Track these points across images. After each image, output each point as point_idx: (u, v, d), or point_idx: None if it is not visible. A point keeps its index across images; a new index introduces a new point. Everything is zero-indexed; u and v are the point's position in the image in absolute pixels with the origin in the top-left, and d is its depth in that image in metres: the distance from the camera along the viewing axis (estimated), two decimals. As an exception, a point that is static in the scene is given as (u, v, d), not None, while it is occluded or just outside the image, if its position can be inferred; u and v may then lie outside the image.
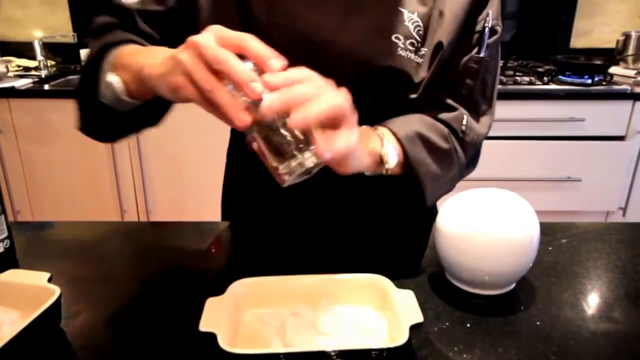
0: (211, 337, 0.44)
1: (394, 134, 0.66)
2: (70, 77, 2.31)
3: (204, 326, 0.46)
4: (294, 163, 0.47)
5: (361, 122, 0.66)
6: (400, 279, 0.55)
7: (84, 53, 2.33)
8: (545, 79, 2.07)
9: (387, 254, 0.71)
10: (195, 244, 0.75)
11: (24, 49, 2.39)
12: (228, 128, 0.60)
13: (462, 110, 0.73)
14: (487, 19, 0.71)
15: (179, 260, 0.70)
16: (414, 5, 0.70)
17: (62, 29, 2.45)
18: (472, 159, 0.79)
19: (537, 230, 0.58)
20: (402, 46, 0.69)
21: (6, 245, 0.67)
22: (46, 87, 2.10)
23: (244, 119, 0.45)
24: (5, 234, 0.67)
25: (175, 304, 0.59)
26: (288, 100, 0.45)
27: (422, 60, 0.70)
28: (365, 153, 0.61)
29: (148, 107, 0.61)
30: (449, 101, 0.73)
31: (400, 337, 0.45)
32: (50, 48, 2.36)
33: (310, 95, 0.46)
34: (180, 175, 2.16)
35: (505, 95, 1.96)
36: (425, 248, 0.73)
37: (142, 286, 0.64)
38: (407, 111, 0.72)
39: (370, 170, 0.64)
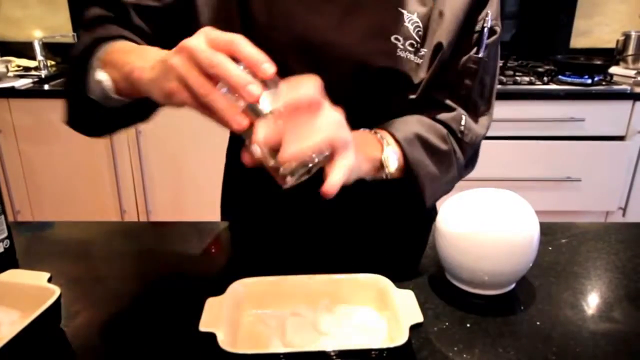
0: (211, 337, 0.44)
1: (394, 137, 0.66)
2: (70, 77, 2.31)
3: (204, 326, 0.46)
4: (295, 163, 0.47)
5: (360, 122, 0.66)
6: (400, 279, 0.55)
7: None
8: (545, 79, 2.07)
9: (387, 254, 0.72)
10: (195, 244, 0.75)
11: (23, 49, 2.39)
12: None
13: (460, 110, 0.73)
14: (487, 19, 0.71)
15: (179, 260, 0.70)
16: (414, 5, 0.69)
17: (62, 29, 2.45)
18: (471, 160, 0.79)
19: (537, 230, 0.58)
20: (402, 47, 0.69)
21: (6, 245, 0.67)
22: (46, 87, 2.10)
23: (241, 122, 0.44)
24: (5, 234, 0.67)
25: (175, 304, 0.59)
26: (278, 138, 0.45)
27: (421, 61, 0.70)
28: (365, 160, 0.61)
29: (138, 104, 0.60)
30: (448, 101, 0.73)
31: (400, 337, 0.45)
32: (50, 48, 2.36)
33: (302, 129, 0.45)
34: (180, 175, 2.16)
35: (505, 95, 1.96)
36: (425, 248, 0.73)
37: (142, 286, 0.64)
38: (406, 112, 0.72)
39: (369, 175, 0.64)
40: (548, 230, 0.76)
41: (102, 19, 0.66)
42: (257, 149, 0.46)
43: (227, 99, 0.44)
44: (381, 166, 0.64)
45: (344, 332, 0.51)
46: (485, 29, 0.71)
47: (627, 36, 2.29)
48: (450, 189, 0.75)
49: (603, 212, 2.19)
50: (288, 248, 0.73)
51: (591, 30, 2.45)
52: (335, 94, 0.71)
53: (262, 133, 0.45)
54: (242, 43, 0.44)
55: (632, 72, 2.16)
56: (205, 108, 0.45)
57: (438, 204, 0.77)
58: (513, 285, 0.62)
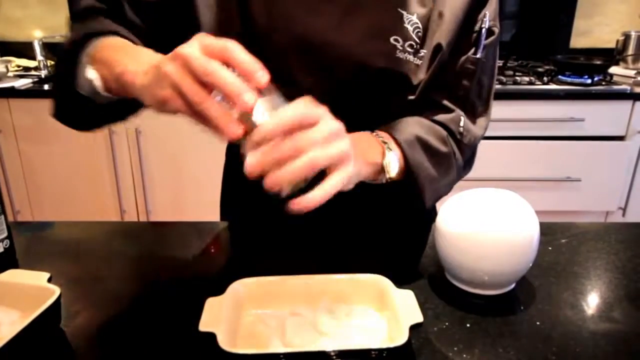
0: (211, 337, 0.44)
1: (395, 139, 0.66)
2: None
3: (204, 326, 0.46)
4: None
5: (359, 123, 0.66)
6: (400, 279, 0.55)
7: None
8: (545, 79, 2.07)
9: (387, 254, 0.72)
10: (195, 244, 0.75)
11: (23, 49, 2.39)
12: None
13: (459, 111, 0.73)
14: (484, 19, 0.71)
15: (179, 260, 0.70)
16: (414, 6, 0.69)
17: (62, 29, 2.42)
18: (468, 161, 0.79)
19: (537, 230, 0.58)
20: (401, 48, 0.69)
21: (6, 245, 0.67)
22: (46, 87, 2.10)
23: (235, 131, 0.44)
24: (5, 234, 0.67)
25: (175, 304, 0.59)
26: (267, 164, 0.45)
27: (420, 62, 0.70)
28: (365, 164, 0.61)
29: (126, 101, 0.58)
30: (446, 102, 0.73)
31: (400, 337, 0.45)
32: (50, 48, 2.36)
33: (293, 150, 0.45)
34: (180, 175, 2.16)
35: (505, 95, 1.96)
36: (425, 248, 0.73)
37: (142, 286, 0.64)
38: (405, 112, 0.72)
39: (369, 179, 0.63)
40: (548, 230, 0.76)
41: (94, 10, 0.65)
42: (249, 164, 0.45)
43: (221, 107, 0.44)
44: (381, 170, 0.64)
45: (344, 332, 0.51)
46: (483, 30, 0.71)
47: (627, 36, 2.29)
48: (449, 191, 0.75)
49: (603, 212, 2.19)
50: (288, 248, 0.73)
51: (591, 30, 2.45)
52: (334, 94, 0.71)
53: (251, 161, 0.45)
54: (236, 50, 0.44)
55: (632, 72, 2.16)
56: (199, 116, 0.44)
57: (438, 204, 0.77)
58: (513, 285, 0.62)
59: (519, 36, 2.44)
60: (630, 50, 2.28)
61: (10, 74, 2.22)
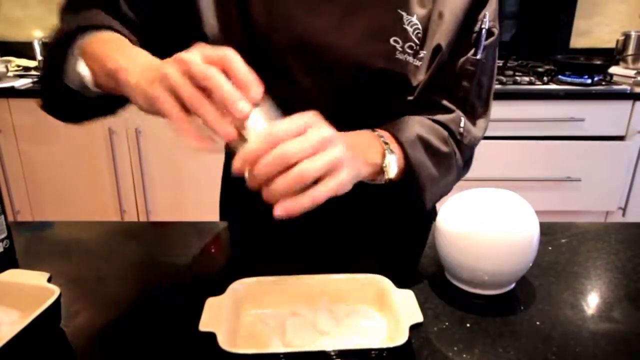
0: (211, 337, 0.44)
1: (396, 138, 0.66)
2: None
3: (204, 326, 0.46)
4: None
5: (358, 123, 0.66)
6: (400, 279, 0.55)
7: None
8: (545, 79, 2.07)
9: (387, 254, 0.71)
10: (195, 244, 0.75)
11: (23, 49, 2.39)
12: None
13: (459, 112, 0.73)
14: (484, 20, 0.71)
15: (179, 260, 0.70)
16: (414, 7, 0.69)
17: (62, 29, 2.45)
18: (467, 162, 0.79)
19: (537, 230, 0.58)
20: (401, 49, 0.69)
21: (6, 245, 0.67)
22: (46, 87, 2.10)
23: (231, 133, 0.45)
24: (5, 234, 0.67)
25: (175, 304, 0.59)
26: (261, 180, 0.46)
27: (420, 63, 0.70)
28: (364, 164, 0.60)
29: (115, 95, 0.58)
30: (445, 103, 0.73)
31: (400, 337, 0.45)
32: (50, 48, 2.36)
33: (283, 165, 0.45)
34: (180, 175, 2.16)
35: (505, 95, 1.96)
36: (425, 248, 0.73)
37: (141, 286, 0.64)
38: (404, 113, 0.72)
39: (368, 179, 0.63)
40: (548, 230, 0.76)
41: (88, 1, 0.65)
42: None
43: (217, 111, 0.45)
44: (381, 171, 0.64)
45: (343, 332, 0.51)
46: (483, 31, 0.71)
47: (627, 36, 2.29)
48: (449, 191, 0.75)
49: (603, 212, 2.19)
50: (288, 248, 0.73)
51: (591, 30, 2.45)
52: (333, 95, 0.71)
53: (247, 177, 0.46)
54: (235, 59, 0.45)
55: (632, 72, 2.16)
56: (184, 123, 0.45)
57: (438, 204, 0.77)
58: (513, 285, 0.62)
59: (519, 36, 2.44)
60: (630, 50, 2.28)
61: (10, 73, 2.22)
